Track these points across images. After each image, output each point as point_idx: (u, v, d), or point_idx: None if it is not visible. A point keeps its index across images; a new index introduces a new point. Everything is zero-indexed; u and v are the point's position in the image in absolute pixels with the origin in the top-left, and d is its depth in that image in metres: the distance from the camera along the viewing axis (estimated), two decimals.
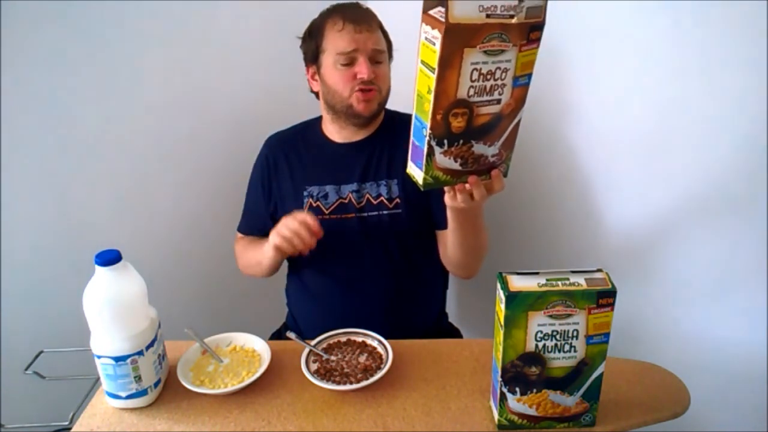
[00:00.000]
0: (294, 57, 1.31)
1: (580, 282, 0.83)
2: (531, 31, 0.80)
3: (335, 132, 1.31)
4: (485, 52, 0.79)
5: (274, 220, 1.20)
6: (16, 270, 1.40)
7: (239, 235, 1.42)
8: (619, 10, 1.14)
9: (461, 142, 0.87)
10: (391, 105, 1.31)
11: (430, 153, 0.87)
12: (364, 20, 1.21)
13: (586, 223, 1.34)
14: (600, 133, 1.26)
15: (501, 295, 0.83)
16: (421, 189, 0.92)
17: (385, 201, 1.26)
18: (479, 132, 0.87)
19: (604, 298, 0.82)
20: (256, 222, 1.36)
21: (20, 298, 1.42)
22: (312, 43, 1.25)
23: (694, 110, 1.08)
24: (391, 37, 1.28)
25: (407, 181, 1.24)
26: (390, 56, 1.28)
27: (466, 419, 0.94)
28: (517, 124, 0.90)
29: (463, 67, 0.80)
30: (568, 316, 0.82)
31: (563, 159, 1.35)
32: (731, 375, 1.14)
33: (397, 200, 1.26)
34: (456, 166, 0.90)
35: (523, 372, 0.86)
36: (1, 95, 1.29)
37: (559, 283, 0.83)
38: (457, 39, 0.77)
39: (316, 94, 1.31)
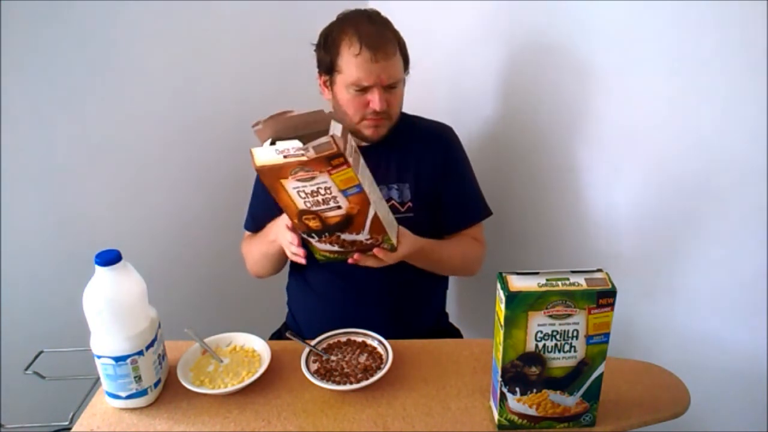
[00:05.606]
0: (296, 57, 1.31)
1: (580, 282, 0.83)
2: (331, 159, 0.89)
3: None
4: (298, 180, 0.92)
5: None
6: (16, 270, 1.40)
7: (247, 233, 1.38)
8: (619, 12, 1.14)
9: (327, 234, 1.02)
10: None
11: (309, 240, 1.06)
12: (382, 46, 1.14)
13: (586, 223, 1.34)
14: (600, 133, 1.26)
15: (501, 295, 0.83)
16: (318, 261, 1.12)
17: (396, 204, 1.25)
18: (338, 227, 1.00)
19: (604, 298, 0.82)
20: (265, 221, 1.31)
21: (20, 298, 1.42)
22: (326, 56, 1.19)
23: (696, 112, 1.08)
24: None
25: (419, 185, 1.25)
26: (406, 71, 1.23)
27: (466, 419, 0.94)
28: (376, 216, 0.99)
29: (288, 191, 0.95)
30: (568, 316, 0.82)
31: (563, 160, 1.35)
32: (731, 375, 1.14)
33: (409, 204, 1.25)
34: (337, 248, 1.06)
35: (523, 372, 0.86)
36: (1, 95, 1.29)
37: (559, 283, 0.82)
38: (270, 175, 0.93)
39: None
